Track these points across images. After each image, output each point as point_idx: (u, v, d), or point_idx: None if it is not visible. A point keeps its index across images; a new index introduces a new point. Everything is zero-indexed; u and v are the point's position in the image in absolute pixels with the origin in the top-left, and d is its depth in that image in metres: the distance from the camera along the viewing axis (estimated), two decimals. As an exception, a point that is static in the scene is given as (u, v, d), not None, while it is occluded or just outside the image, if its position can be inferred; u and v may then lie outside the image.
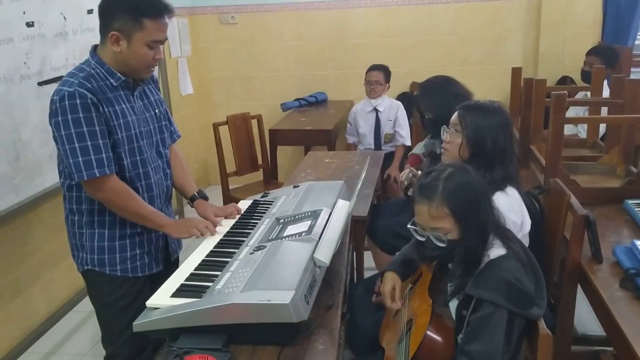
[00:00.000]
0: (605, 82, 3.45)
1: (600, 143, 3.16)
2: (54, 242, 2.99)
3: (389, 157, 4.01)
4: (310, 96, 5.12)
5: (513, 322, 1.51)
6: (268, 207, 2.16)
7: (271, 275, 1.50)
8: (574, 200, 2.05)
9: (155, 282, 1.86)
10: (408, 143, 4.16)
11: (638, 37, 4.73)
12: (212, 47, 5.26)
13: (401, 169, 3.70)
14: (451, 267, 1.65)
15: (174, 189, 2.22)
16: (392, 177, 3.94)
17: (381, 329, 1.89)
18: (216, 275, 1.60)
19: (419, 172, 2.63)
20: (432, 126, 2.81)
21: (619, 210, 2.36)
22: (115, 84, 1.88)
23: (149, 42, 1.84)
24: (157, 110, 2.08)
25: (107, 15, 1.84)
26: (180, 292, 1.55)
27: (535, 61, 4.84)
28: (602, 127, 3.30)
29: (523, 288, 1.52)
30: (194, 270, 1.69)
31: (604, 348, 2.36)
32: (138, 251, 2.01)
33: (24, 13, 2.64)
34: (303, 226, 1.82)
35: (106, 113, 1.84)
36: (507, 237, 1.63)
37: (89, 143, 1.79)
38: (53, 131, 1.83)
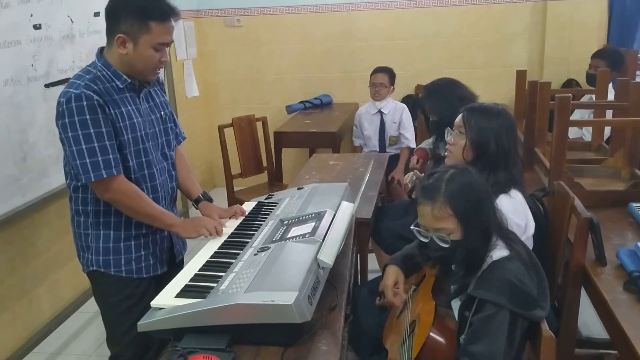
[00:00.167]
0: (610, 85, 3.44)
1: (605, 146, 3.15)
2: (60, 243, 3.01)
3: (393, 160, 4.02)
4: (315, 99, 5.14)
5: (515, 323, 1.51)
6: (272, 209, 2.17)
7: (275, 276, 1.51)
8: (577, 202, 2.05)
9: (160, 283, 1.87)
10: (413, 145, 4.16)
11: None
12: (217, 50, 5.28)
13: (406, 171, 3.71)
14: (454, 268, 1.66)
15: (178, 191, 2.23)
16: (396, 179, 3.95)
17: (385, 330, 1.90)
18: (220, 276, 1.61)
19: (423, 175, 2.64)
20: (437, 128, 2.82)
21: (623, 213, 2.36)
22: (122, 86, 1.90)
23: (155, 44, 1.86)
24: (162, 112, 2.09)
25: (114, 18, 1.85)
26: (185, 292, 1.57)
27: (540, 64, 4.84)
28: (607, 130, 3.29)
29: (525, 289, 1.52)
30: (198, 271, 1.70)
31: (609, 351, 2.35)
32: (143, 252, 2.02)
33: (32, 16, 2.67)
34: (307, 228, 1.82)
35: (112, 115, 1.85)
36: (510, 238, 1.64)
37: (96, 144, 1.80)
38: (60, 133, 1.84)
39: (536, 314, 1.52)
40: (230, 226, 2.05)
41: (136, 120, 1.93)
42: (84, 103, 1.78)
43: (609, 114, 3.13)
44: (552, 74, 4.61)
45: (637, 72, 4.30)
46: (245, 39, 5.21)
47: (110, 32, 1.87)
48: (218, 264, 1.72)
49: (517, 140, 2.10)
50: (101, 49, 1.94)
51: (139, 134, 1.94)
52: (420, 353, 1.58)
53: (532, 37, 4.85)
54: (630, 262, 1.90)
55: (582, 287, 2.03)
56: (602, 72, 3.36)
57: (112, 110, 1.85)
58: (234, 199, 4.00)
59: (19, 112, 2.60)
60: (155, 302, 1.54)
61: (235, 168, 4.21)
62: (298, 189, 2.33)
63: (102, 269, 1.98)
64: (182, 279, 1.65)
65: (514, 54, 4.90)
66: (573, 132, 3.69)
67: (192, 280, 1.64)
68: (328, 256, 1.62)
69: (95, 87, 1.82)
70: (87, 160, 1.80)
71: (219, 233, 1.97)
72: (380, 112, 4.24)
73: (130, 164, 1.92)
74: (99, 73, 1.87)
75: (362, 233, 2.56)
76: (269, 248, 1.70)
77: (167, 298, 1.55)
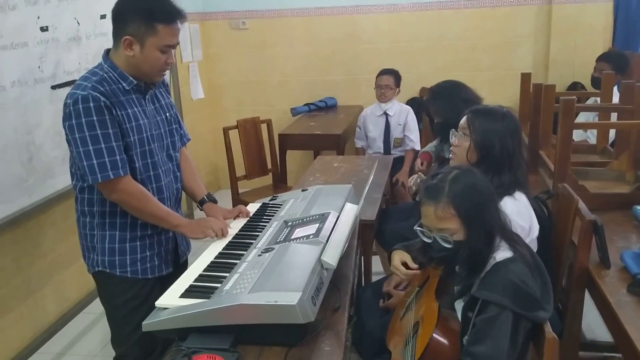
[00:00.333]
0: (615, 88, 3.44)
1: (609, 149, 3.15)
2: (66, 244, 3.03)
3: (397, 162, 4.02)
4: (320, 101, 5.15)
5: (518, 324, 1.51)
6: (276, 210, 2.17)
7: (279, 277, 1.51)
8: (581, 205, 2.05)
9: (164, 283, 1.88)
10: (417, 148, 4.17)
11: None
12: (222, 52, 5.30)
13: (411, 173, 3.71)
14: (458, 270, 1.66)
15: (183, 192, 2.24)
16: (401, 181, 3.95)
17: (388, 332, 1.90)
18: (224, 277, 1.62)
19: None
20: (441, 130, 2.83)
21: (627, 216, 2.36)
22: (128, 88, 1.91)
23: (161, 46, 1.87)
24: (167, 114, 2.10)
25: (120, 20, 1.86)
26: (189, 292, 1.57)
27: (545, 67, 4.83)
28: (612, 133, 3.29)
29: (529, 290, 1.53)
30: (203, 271, 1.71)
31: (613, 354, 2.35)
32: (148, 253, 2.03)
33: (39, 18, 2.69)
34: (311, 229, 1.83)
35: (119, 116, 1.86)
36: (513, 240, 1.64)
37: (102, 146, 1.81)
38: (67, 134, 1.85)
39: (539, 315, 1.53)
40: (235, 227, 2.06)
41: (142, 122, 1.94)
42: (91, 104, 1.79)
43: (613, 116, 3.13)
44: (557, 77, 4.60)
45: (643, 75, 4.29)
46: (250, 41, 5.23)
47: (117, 34, 1.88)
48: (222, 265, 1.73)
49: (522, 142, 2.10)
50: (107, 51, 1.95)
51: (145, 135, 1.95)
52: (424, 354, 1.58)
53: (537, 39, 4.84)
54: (634, 264, 1.90)
55: (586, 290, 2.03)
56: (607, 75, 3.35)
57: (118, 112, 1.86)
58: (239, 201, 4.01)
59: (26, 114, 2.63)
60: (159, 302, 1.54)
61: (240, 170, 4.23)
62: (302, 190, 2.34)
63: (107, 270, 1.99)
64: (186, 279, 1.66)
65: (519, 57, 4.90)
66: (578, 135, 3.69)
67: (196, 280, 1.65)
68: (332, 257, 1.62)
69: (102, 89, 1.83)
70: (94, 162, 1.81)
71: (224, 234, 1.98)
72: (385, 114, 4.24)
73: (136, 165, 1.93)
74: (105, 75, 1.88)
75: (366, 235, 2.56)
76: (273, 249, 1.71)
77: (171, 298, 1.56)
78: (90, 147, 1.81)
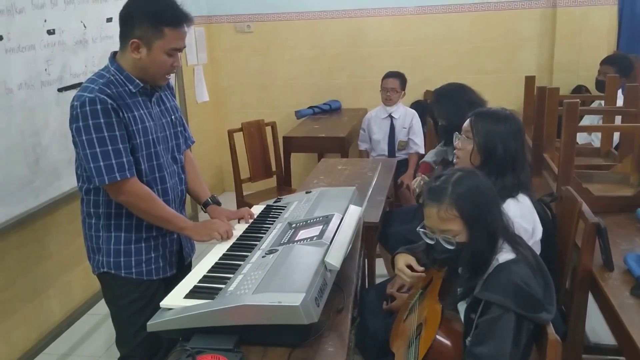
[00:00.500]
0: (619, 91, 3.44)
1: (614, 152, 3.15)
2: (71, 245, 3.04)
3: (401, 165, 4.03)
4: (324, 104, 5.16)
5: (521, 325, 1.52)
6: (280, 212, 2.19)
7: (282, 278, 1.53)
8: (585, 207, 2.05)
9: (169, 285, 1.89)
10: (422, 151, 4.18)
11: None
12: (228, 55, 5.32)
13: (415, 176, 3.72)
14: (461, 271, 1.67)
15: (187, 194, 2.26)
16: (405, 184, 3.95)
17: (392, 334, 1.91)
18: (229, 278, 1.63)
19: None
20: (445, 133, 2.84)
21: (631, 219, 2.36)
22: (134, 90, 1.92)
23: (168, 50, 1.89)
24: (173, 117, 2.12)
25: (128, 23, 1.88)
26: (194, 293, 1.59)
27: (550, 70, 4.83)
28: (616, 137, 3.29)
29: (531, 292, 1.53)
30: (207, 272, 1.72)
31: (616, 358, 2.34)
32: (153, 254, 2.04)
33: (45, 21, 2.71)
34: (314, 231, 1.84)
35: (125, 118, 1.88)
36: (516, 242, 1.65)
37: (109, 147, 1.83)
38: (74, 136, 1.87)
39: (542, 316, 1.53)
40: (239, 229, 2.07)
41: (148, 124, 1.96)
42: (98, 107, 1.81)
43: (617, 120, 3.13)
44: (561, 80, 4.60)
45: (647, 79, 4.29)
46: (255, 44, 5.25)
47: (124, 37, 1.90)
48: (227, 266, 1.75)
49: (525, 144, 2.11)
50: (114, 54, 1.97)
51: (150, 137, 1.96)
52: (427, 356, 1.59)
53: (542, 43, 4.84)
54: (637, 267, 1.90)
55: (590, 293, 2.03)
56: (611, 78, 3.35)
57: (125, 114, 1.88)
58: (243, 203, 4.02)
59: (33, 116, 2.65)
60: (164, 303, 1.56)
61: (245, 172, 4.24)
62: (306, 192, 2.35)
63: (112, 271, 2.01)
64: (191, 280, 1.67)
65: (524, 60, 4.90)
66: (582, 138, 3.68)
67: (201, 281, 1.66)
68: (335, 259, 1.63)
69: (109, 91, 1.85)
70: (101, 163, 1.83)
71: (230, 236, 1.99)
72: (390, 116, 4.25)
73: (142, 167, 1.95)
74: (112, 77, 1.90)
75: (369, 237, 2.57)
76: (277, 250, 1.72)
77: (176, 298, 1.57)
78: (98, 149, 1.82)
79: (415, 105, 4.80)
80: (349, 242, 1.77)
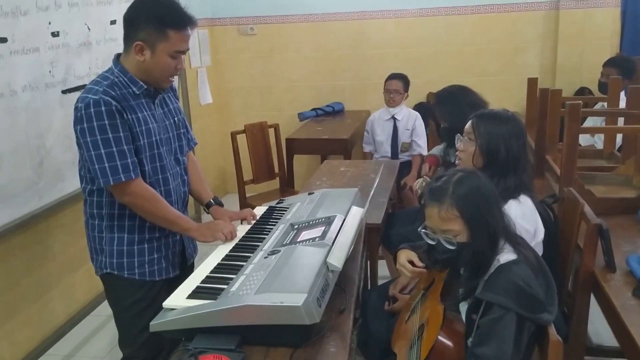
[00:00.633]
0: (622, 93, 3.44)
1: (616, 154, 3.15)
2: (75, 246, 3.05)
3: (405, 166, 4.04)
4: (327, 106, 5.17)
5: (522, 326, 1.52)
6: (283, 213, 2.19)
7: (284, 279, 1.53)
8: (587, 209, 2.05)
9: (171, 286, 1.90)
10: (425, 153, 4.17)
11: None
12: (231, 58, 5.34)
13: (418, 177, 3.72)
14: (462, 272, 1.67)
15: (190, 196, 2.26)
16: (409, 186, 3.96)
17: (394, 335, 1.91)
18: (231, 278, 1.64)
19: (432, 180, 2.65)
20: (447, 135, 2.84)
21: (633, 220, 2.35)
22: (138, 92, 1.93)
23: (172, 52, 1.90)
24: (176, 118, 2.13)
25: (132, 26, 1.89)
26: (196, 293, 1.59)
27: (553, 72, 4.83)
28: (619, 139, 3.28)
29: (533, 292, 1.53)
30: (210, 273, 1.73)
31: (619, 359, 2.34)
32: (156, 255, 2.05)
33: (50, 23, 2.73)
34: (317, 232, 1.84)
35: (129, 120, 1.89)
36: (517, 242, 1.65)
37: (114, 149, 1.84)
38: (78, 137, 1.88)
39: (543, 317, 1.53)
40: (242, 230, 2.08)
41: (152, 126, 1.97)
42: (103, 109, 1.82)
43: (620, 121, 3.13)
44: (564, 82, 4.60)
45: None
46: (258, 47, 5.27)
47: (128, 39, 1.91)
48: (229, 267, 1.75)
49: (527, 145, 2.11)
50: (118, 56, 1.98)
51: (154, 139, 1.97)
52: (429, 357, 1.59)
53: (545, 45, 4.85)
54: (639, 268, 1.90)
55: (593, 294, 2.03)
56: (614, 80, 3.35)
57: (129, 116, 1.89)
58: (246, 205, 4.03)
59: (37, 118, 2.66)
60: (167, 303, 1.56)
61: (248, 174, 4.25)
62: (309, 194, 2.36)
63: (115, 272, 2.01)
64: (193, 280, 1.68)
65: (527, 62, 4.90)
66: (585, 140, 3.68)
67: (203, 282, 1.67)
68: (337, 260, 1.64)
69: (113, 93, 1.86)
70: (106, 165, 1.84)
71: (234, 236, 2.00)
72: (393, 118, 4.26)
73: (146, 168, 1.96)
74: (115, 79, 1.91)
75: (372, 238, 2.57)
76: (279, 251, 1.73)
77: (179, 299, 1.58)
78: (102, 151, 1.83)
79: (418, 107, 4.80)
80: (350, 243, 1.78)
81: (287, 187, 4.47)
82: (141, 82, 1.93)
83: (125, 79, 1.92)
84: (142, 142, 1.93)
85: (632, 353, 1.60)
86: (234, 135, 4.18)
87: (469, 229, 1.58)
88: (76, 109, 1.86)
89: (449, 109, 2.81)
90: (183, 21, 1.90)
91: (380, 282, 2.79)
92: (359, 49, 5.12)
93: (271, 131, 4.41)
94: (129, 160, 1.86)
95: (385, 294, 2.23)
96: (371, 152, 4.44)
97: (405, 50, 5.06)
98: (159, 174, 2.01)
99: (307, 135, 4.58)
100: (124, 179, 1.85)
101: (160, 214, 1.96)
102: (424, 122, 4.33)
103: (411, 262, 1.89)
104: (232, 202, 4.42)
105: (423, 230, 1.66)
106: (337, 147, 4.39)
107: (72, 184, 2.85)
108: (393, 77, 4.25)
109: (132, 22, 1.90)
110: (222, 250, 1.90)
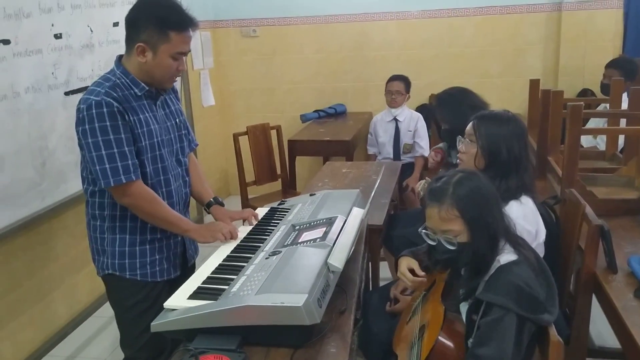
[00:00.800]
0: (624, 95, 3.43)
1: (619, 155, 3.14)
2: (77, 248, 3.06)
3: (407, 168, 4.04)
4: (329, 108, 5.18)
5: (523, 327, 1.52)
6: (285, 214, 2.20)
7: (285, 279, 1.53)
8: (589, 210, 2.05)
9: (172, 287, 1.90)
10: (427, 154, 4.18)
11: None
12: (233, 60, 5.35)
13: (421, 179, 3.72)
14: (463, 272, 1.67)
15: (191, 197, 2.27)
16: (411, 187, 3.96)
17: (395, 336, 1.91)
18: (232, 279, 1.64)
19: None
20: (449, 137, 2.84)
21: (635, 222, 2.35)
22: (139, 94, 1.94)
23: (174, 53, 1.90)
24: (177, 120, 2.13)
25: (134, 27, 1.90)
26: (197, 294, 1.60)
27: (555, 74, 4.83)
28: (621, 140, 3.28)
29: (533, 293, 1.53)
30: (211, 273, 1.73)
31: (620, 361, 2.34)
32: (157, 256, 2.06)
33: (53, 25, 2.74)
34: (318, 232, 1.85)
35: (131, 121, 1.89)
36: (518, 243, 1.65)
37: (115, 150, 1.84)
38: (79, 138, 1.89)
39: (544, 318, 1.53)
40: (243, 231, 2.08)
41: (153, 127, 1.97)
42: (104, 110, 1.83)
43: (622, 123, 3.12)
44: (567, 84, 4.60)
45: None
46: (260, 48, 5.27)
47: (130, 40, 1.92)
48: (230, 267, 1.76)
49: (528, 146, 2.11)
50: (120, 57, 1.99)
51: (155, 140, 1.98)
52: (429, 357, 1.59)
53: (547, 46, 4.84)
54: (641, 269, 1.90)
55: (594, 296, 2.03)
56: (616, 82, 3.35)
57: (131, 117, 1.89)
58: (248, 206, 4.03)
59: (39, 119, 2.67)
60: (168, 303, 1.57)
61: (250, 176, 4.25)
62: (310, 195, 2.36)
63: (117, 273, 2.02)
64: (195, 281, 1.68)
65: (529, 64, 4.89)
66: (587, 142, 3.68)
67: (204, 282, 1.67)
68: (338, 260, 1.64)
69: (115, 94, 1.86)
70: (107, 166, 1.84)
71: (234, 237, 2.00)
72: (395, 119, 4.27)
73: (147, 169, 1.96)
74: (117, 80, 1.91)
75: (373, 239, 2.57)
76: (280, 252, 1.73)
77: (180, 299, 1.58)
78: (103, 152, 1.84)
79: (421, 109, 4.80)
80: (351, 244, 1.78)
81: (289, 188, 4.47)
82: (143, 84, 1.94)
83: (127, 81, 1.93)
84: (143, 144, 1.93)
85: (634, 354, 1.60)
86: (236, 137, 4.18)
87: (469, 229, 1.58)
88: (78, 110, 1.87)
89: (450, 110, 2.81)
90: (184, 22, 1.90)
91: (382, 283, 2.79)
92: (361, 50, 5.12)
93: (273, 133, 4.42)
94: (130, 162, 1.87)
95: (387, 295, 2.23)
96: (375, 154, 4.45)
97: (407, 52, 5.06)
98: (160, 176, 2.01)
99: (309, 136, 4.59)
100: (124, 181, 1.86)
101: (159, 215, 1.96)
102: (426, 123, 4.34)
103: (412, 271, 1.88)
104: (234, 204, 4.43)
105: (423, 230, 1.67)
106: (339, 149, 4.39)
107: (75, 185, 2.86)
108: (394, 78, 4.27)
109: (134, 24, 1.90)
110: (223, 251, 1.90)
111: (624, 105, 3.32)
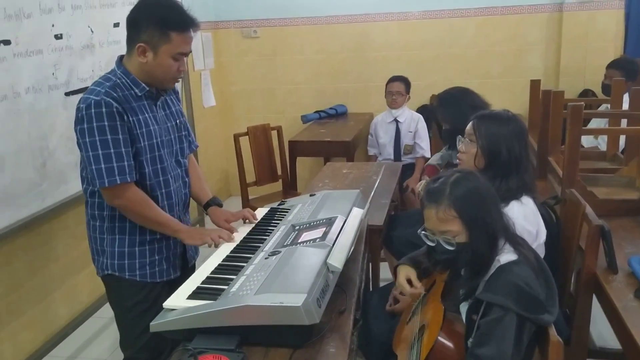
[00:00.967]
0: (625, 95, 3.43)
1: (620, 156, 3.14)
2: (78, 248, 3.06)
3: (407, 169, 4.04)
4: (330, 108, 5.18)
5: (523, 326, 1.52)
6: (284, 215, 2.19)
7: (285, 279, 1.53)
8: (589, 210, 2.05)
9: (172, 287, 1.89)
10: (428, 155, 4.18)
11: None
12: (234, 61, 5.35)
13: (421, 180, 3.72)
14: (462, 272, 1.67)
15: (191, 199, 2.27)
16: (411, 188, 3.96)
17: (395, 336, 1.91)
18: (231, 279, 1.64)
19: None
20: (449, 137, 2.83)
21: (636, 222, 2.35)
22: (140, 94, 1.94)
23: (174, 54, 1.90)
24: (177, 121, 2.13)
25: (135, 27, 1.90)
26: (197, 294, 1.60)
27: (556, 74, 4.82)
28: (623, 141, 3.28)
29: (533, 293, 1.53)
30: (210, 273, 1.73)
31: (621, 362, 2.33)
32: (157, 257, 2.06)
33: (53, 26, 2.74)
34: (318, 233, 1.85)
35: (130, 122, 1.89)
36: (518, 243, 1.65)
37: (112, 151, 1.84)
38: (77, 137, 1.89)
39: (544, 318, 1.53)
40: (243, 231, 2.08)
41: (153, 128, 1.97)
42: (103, 110, 1.83)
43: (624, 123, 3.12)
44: (568, 84, 4.59)
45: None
46: (261, 49, 5.28)
47: (131, 40, 1.92)
48: (230, 267, 1.75)
49: (529, 146, 2.10)
50: (121, 57, 1.98)
51: (155, 141, 1.98)
52: (428, 357, 1.59)
53: (548, 47, 4.84)
54: (642, 270, 1.89)
55: (595, 296, 2.02)
56: (617, 82, 3.35)
57: (130, 118, 1.89)
58: (249, 207, 4.02)
59: (40, 120, 2.67)
60: (167, 303, 1.57)
61: (250, 176, 4.25)
62: (310, 195, 2.36)
63: (116, 273, 2.02)
64: (194, 281, 1.68)
65: (530, 64, 4.89)
66: (588, 142, 3.68)
67: (204, 282, 1.67)
68: (337, 260, 1.64)
69: (115, 95, 1.86)
70: (103, 166, 1.84)
71: (228, 240, 1.99)
72: (396, 120, 4.27)
73: (146, 170, 1.96)
74: (118, 80, 1.91)
75: (373, 240, 2.57)
76: (279, 252, 1.73)
77: (179, 299, 1.58)
78: (100, 152, 1.83)
79: (421, 110, 4.79)
80: (351, 244, 1.78)
81: (290, 189, 4.47)
82: (143, 84, 1.94)
83: (128, 81, 1.93)
84: (142, 144, 1.93)
85: (634, 355, 1.60)
86: (236, 138, 4.18)
87: (467, 229, 1.58)
88: (78, 109, 1.87)
89: (450, 111, 2.80)
90: (185, 23, 1.90)
91: (382, 283, 2.79)
92: (362, 51, 5.12)
93: (274, 133, 4.42)
94: (126, 163, 1.86)
95: (387, 295, 2.22)
96: (376, 155, 4.45)
97: (408, 53, 5.06)
98: (159, 176, 2.01)
99: (310, 137, 4.58)
100: (119, 182, 1.85)
101: (149, 217, 1.96)
102: (427, 124, 4.34)
103: (410, 281, 1.87)
104: (235, 205, 4.43)
105: (422, 232, 1.66)
106: (339, 150, 4.39)
107: (75, 185, 2.85)
108: (394, 79, 4.27)
109: (135, 24, 1.90)
110: (223, 251, 1.90)
111: (625, 105, 3.31)
